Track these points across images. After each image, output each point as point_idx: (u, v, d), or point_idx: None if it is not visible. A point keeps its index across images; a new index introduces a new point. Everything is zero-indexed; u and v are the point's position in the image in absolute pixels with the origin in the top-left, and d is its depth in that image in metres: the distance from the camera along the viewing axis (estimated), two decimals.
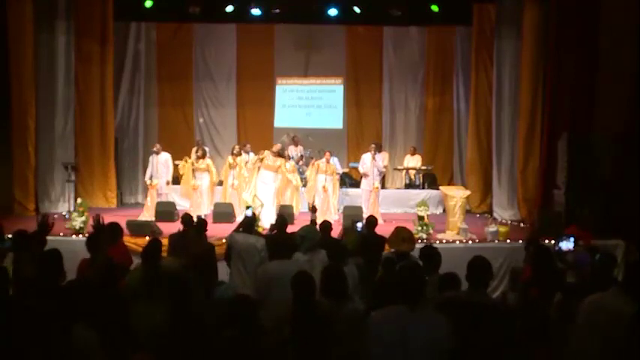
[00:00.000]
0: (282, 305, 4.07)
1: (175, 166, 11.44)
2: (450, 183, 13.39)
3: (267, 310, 4.46)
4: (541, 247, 5.93)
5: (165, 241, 6.33)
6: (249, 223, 6.58)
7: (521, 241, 8.57)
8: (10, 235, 5.48)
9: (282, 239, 5.47)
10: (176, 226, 7.93)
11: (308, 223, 7.75)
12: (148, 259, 4.82)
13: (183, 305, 3.73)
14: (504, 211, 11.62)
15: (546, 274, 5.08)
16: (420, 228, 8.89)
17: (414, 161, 13.41)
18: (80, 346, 3.17)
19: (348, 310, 3.85)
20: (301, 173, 12.02)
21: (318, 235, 5.85)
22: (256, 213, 9.35)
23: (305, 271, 4.04)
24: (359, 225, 7.37)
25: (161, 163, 10.92)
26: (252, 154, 12.27)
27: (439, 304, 3.59)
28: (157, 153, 10.96)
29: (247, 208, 8.80)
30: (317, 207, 10.69)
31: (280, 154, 10.53)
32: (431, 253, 4.84)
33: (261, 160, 10.36)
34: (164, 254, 5.66)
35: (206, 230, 7.14)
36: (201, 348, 3.52)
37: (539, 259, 5.30)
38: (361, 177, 11.45)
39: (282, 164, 10.42)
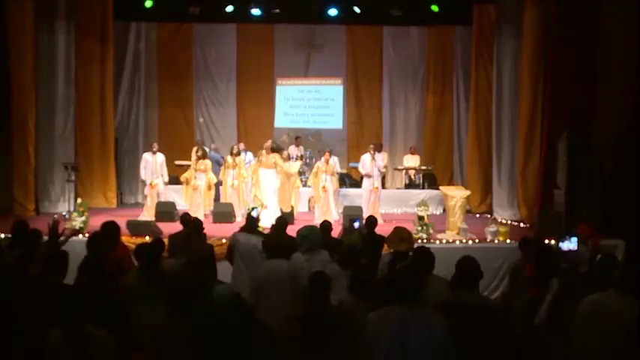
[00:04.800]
0: (276, 305, 4.08)
1: (178, 167, 11.38)
2: (450, 183, 13.37)
3: (262, 309, 4.49)
4: (543, 246, 5.90)
5: (165, 242, 6.31)
6: (251, 224, 6.57)
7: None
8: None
9: (278, 240, 5.47)
10: (176, 226, 7.92)
11: (308, 223, 7.72)
12: (149, 260, 4.81)
13: (182, 306, 3.73)
14: (504, 211, 11.61)
15: (548, 274, 5.07)
16: (420, 228, 8.87)
17: (413, 161, 13.41)
18: (95, 346, 3.17)
19: (347, 309, 3.87)
20: (301, 174, 11.99)
21: (319, 235, 5.84)
22: (257, 213, 9.37)
23: (321, 271, 4.05)
24: (356, 224, 7.35)
25: (158, 163, 10.90)
26: (250, 153, 12.26)
27: (436, 305, 3.59)
28: (155, 153, 10.94)
29: (252, 209, 8.79)
30: (317, 207, 10.69)
31: (274, 150, 10.48)
32: (423, 253, 4.82)
33: (260, 160, 10.37)
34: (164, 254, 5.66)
35: (202, 230, 7.11)
36: (200, 348, 3.52)
37: (541, 259, 5.28)
38: (361, 177, 11.44)
39: (277, 159, 10.39)
